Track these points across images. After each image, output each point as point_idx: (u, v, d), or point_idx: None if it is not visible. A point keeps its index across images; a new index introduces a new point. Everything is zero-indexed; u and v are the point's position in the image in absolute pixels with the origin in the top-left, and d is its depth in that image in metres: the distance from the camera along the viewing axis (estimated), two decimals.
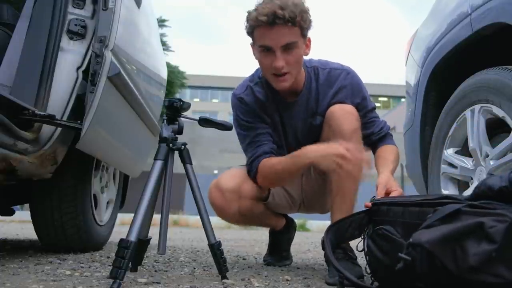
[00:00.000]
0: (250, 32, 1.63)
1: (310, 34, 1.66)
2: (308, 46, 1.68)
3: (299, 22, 1.55)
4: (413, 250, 0.95)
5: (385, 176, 1.58)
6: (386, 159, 1.70)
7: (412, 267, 0.95)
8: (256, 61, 1.70)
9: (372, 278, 1.29)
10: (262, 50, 1.61)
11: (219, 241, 1.45)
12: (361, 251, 1.35)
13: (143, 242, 1.45)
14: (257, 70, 1.85)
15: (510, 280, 0.86)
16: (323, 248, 1.38)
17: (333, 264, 1.27)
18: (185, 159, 1.45)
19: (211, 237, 1.43)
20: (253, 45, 1.67)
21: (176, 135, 1.45)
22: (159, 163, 1.37)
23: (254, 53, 1.69)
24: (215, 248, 1.43)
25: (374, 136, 1.78)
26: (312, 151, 1.57)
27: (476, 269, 0.87)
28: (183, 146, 1.45)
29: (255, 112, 1.77)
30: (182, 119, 1.49)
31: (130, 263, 1.34)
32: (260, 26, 1.56)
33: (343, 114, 1.67)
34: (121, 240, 1.22)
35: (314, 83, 1.77)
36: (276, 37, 1.55)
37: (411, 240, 0.96)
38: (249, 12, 1.61)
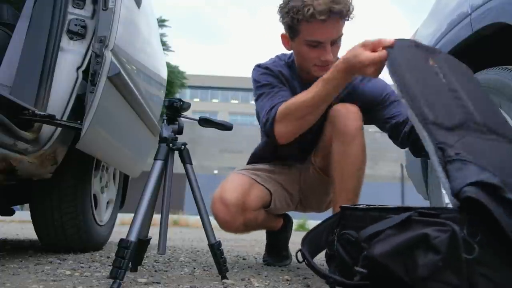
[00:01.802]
0: (293, 25, 1.60)
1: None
2: None
3: (349, 15, 1.58)
4: (368, 263, 0.98)
5: None
6: None
7: (371, 277, 0.98)
8: (290, 51, 1.72)
9: None
10: (310, 44, 1.60)
11: (219, 241, 1.45)
12: (330, 253, 1.35)
13: (143, 242, 1.45)
14: (278, 56, 1.85)
15: (458, 286, 0.89)
16: (302, 261, 1.35)
17: (319, 271, 1.27)
18: (185, 159, 1.45)
19: (211, 237, 1.43)
20: (291, 36, 1.65)
21: (176, 135, 1.45)
22: (159, 163, 1.36)
23: (287, 42, 1.68)
24: (215, 248, 1.43)
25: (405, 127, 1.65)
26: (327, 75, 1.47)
27: (426, 278, 0.91)
28: (183, 146, 1.44)
29: (279, 78, 1.75)
30: (182, 119, 1.49)
31: (130, 263, 1.34)
32: (312, 21, 1.54)
33: (347, 113, 1.66)
34: (121, 240, 1.22)
35: None
36: (328, 32, 1.57)
37: (365, 253, 0.99)
38: (292, 6, 1.57)
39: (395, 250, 0.95)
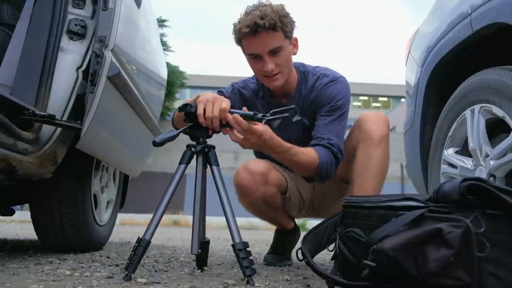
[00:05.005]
0: (238, 42, 1.74)
1: (297, 33, 1.77)
2: (295, 45, 1.79)
3: (280, 27, 1.66)
4: (378, 256, 0.98)
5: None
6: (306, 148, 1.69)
7: (379, 271, 0.98)
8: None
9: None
10: (251, 58, 1.73)
11: (245, 242, 1.42)
12: (331, 251, 1.36)
13: (203, 244, 1.52)
14: (246, 79, 1.97)
15: (468, 282, 0.89)
16: (302, 259, 1.36)
17: (318, 270, 1.27)
18: (211, 160, 1.48)
19: (236, 237, 1.41)
20: (243, 54, 1.78)
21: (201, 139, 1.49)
22: (182, 167, 1.44)
23: (246, 58, 1.79)
24: (236, 249, 1.40)
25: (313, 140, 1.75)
26: None
27: (436, 273, 0.90)
28: (206, 149, 1.48)
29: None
30: None
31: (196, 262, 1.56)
32: (245, 36, 1.68)
33: (376, 119, 1.74)
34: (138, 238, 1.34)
35: (303, 87, 1.85)
36: (261, 44, 1.67)
37: (375, 247, 0.99)
38: (234, 25, 1.72)
39: (406, 244, 0.95)
